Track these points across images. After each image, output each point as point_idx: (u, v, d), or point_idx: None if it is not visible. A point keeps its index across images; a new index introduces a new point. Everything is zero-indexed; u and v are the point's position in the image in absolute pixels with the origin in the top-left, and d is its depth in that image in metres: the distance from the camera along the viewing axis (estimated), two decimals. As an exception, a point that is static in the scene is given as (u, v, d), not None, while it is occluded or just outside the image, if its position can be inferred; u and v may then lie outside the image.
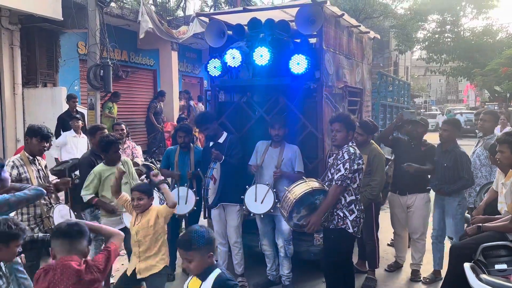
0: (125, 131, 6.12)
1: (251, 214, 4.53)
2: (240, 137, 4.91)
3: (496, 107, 21.57)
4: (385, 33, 26.83)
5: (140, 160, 6.46)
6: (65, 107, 7.87)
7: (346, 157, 3.64)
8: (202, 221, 6.03)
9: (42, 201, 3.90)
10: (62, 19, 7.91)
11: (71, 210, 4.17)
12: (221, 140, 4.65)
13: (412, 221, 4.86)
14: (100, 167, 4.38)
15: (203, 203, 5.34)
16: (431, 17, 28.90)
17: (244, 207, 4.53)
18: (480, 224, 3.57)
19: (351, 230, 3.68)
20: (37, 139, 3.93)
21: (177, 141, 5.27)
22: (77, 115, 7.10)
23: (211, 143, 4.74)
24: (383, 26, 27.08)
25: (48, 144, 4.08)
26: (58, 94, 8.39)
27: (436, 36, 28.79)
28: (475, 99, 41.06)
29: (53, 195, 4.14)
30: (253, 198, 4.43)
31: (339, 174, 3.62)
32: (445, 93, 70.40)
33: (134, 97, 11.64)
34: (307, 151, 4.66)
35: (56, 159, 6.65)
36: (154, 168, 7.66)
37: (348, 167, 3.59)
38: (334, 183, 3.66)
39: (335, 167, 3.70)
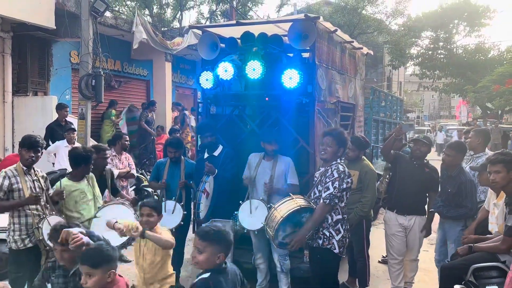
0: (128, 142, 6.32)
1: (245, 231, 4.45)
2: (231, 150, 4.86)
3: (487, 123, 21.75)
4: (379, 48, 27.10)
5: (134, 171, 6.40)
6: (55, 116, 7.78)
7: (336, 175, 3.55)
8: (191, 236, 5.95)
9: (35, 212, 3.80)
10: (55, 28, 7.86)
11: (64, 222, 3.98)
12: (216, 153, 4.59)
13: (409, 242, 4.60)
14: (65, 181, 4.13)
15: (192, 217, 5.27)
16: (425, 33, 29.27)
17: (238, 223, 4.45)
18: (472, 244, 3.52)
19: (336, 251, 3.59)
20: (24, 149, 3.84)
21: (168, 156, 5.21)
22: (72, 126, 6.99)
23: (205, 155, 4.67)
24: (377, 41, 27.37)
25: (35, 155, 3.87)
26: (49, 103, 8.30)
27: (429, 52, 29.13)
28: (467, 115, 41.43)
29: (47, 206, 3.94)
30: (247, 214, 4.36)
31: (328, 192, 3.53)
32: (438, 108, 71.04)
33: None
34: (298, 166, 4.61)
35: (53, 164, 6.57)
36: (144, 180, 7.60)
37: (337, 185, 3.51)
38: (322, 201, 3.56)
39: (323, 184, 3.60)
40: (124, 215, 3.84)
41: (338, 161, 3.67)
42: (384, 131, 9.27)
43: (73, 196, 4.07)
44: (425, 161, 4.56)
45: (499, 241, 3.30)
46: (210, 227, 2.43)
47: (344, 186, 3.54)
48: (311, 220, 3.57)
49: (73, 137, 6.73)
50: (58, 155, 6.71)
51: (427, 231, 4.54)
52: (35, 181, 3.92)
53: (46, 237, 3.52)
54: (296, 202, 3.65)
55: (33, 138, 3.91)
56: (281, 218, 3.57)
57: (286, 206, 3.65)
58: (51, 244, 3.12)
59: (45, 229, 3.64)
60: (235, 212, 4.41)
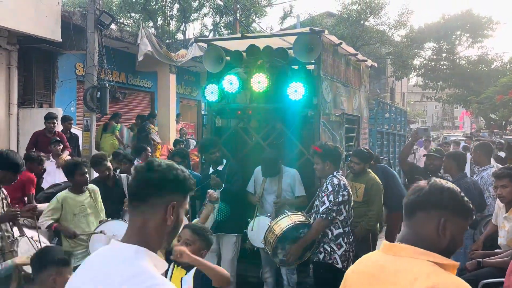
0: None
1: (255, 249, 4.44)
2: (236, 162, 4.85)
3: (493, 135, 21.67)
4: (381, 59, 27.17)
5: None
6: (60, 128, 7.80)
7: (330, 188, 3.54)
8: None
9: (5, 234, 3.44)
10: (61, 40, 7.93)
11: (37, 243, 3.53)
12: (221, 168, 4.58)
13: None
14: (64, 193, 4.03)
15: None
16: (427, 44, 29.40)
17: (247, 241, 4.43)
18: (480, 259, 3.48)
19: (339, 265, 3.55)
20: (10, 172, 3.47)
21: None
22: (58, 138, 6.82)
23: (210, 170, 4.67)
24: (380, 52, 27.47)
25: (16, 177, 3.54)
26: (54, 115, 8.33)
27: (432, 63, 29.23)
28: (470, 126, 41.34)
29: (15, 225, 3.57)
30: (256, 231, 4.33)
31: (324, 207, 3.52)
32: (441, 119, 70.93)
33: (131, 119, 11.59)
34: (303, 178, 4.60)
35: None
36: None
37: (332, 199, 3.50)
38: (319, 216, 3.55)
39: (320, 198, 3.63)
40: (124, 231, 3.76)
41: (335, 174, 3.66)
42: (389, 143, 9.24)
43: (72, 209, 3.97)
44: (439, 174, 4.55)
45: (509, 256, 3.26)
46: (200, 225, 2.68)
47: (340, 199, 3.52)
48: (308, 235, 3.57)
49: (58, 149, 6.52)
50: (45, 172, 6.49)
51: None
52: (3, 200, 3.59)
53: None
54: (291, 219, 3.68)
55: (20, 159, 3.59)
56: (276, 238, 3.60)
57: (282, 224, 3.68)
58: (28, 271, 2.87)
59: (20, 252, 3.37)
60: (245, 230, 4.39)
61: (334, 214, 3.52)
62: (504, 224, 3.53)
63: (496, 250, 3.60)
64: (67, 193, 4.06)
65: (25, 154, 5.49)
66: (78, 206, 4.02)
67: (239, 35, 6.01)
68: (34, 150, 6.21)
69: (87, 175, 4.15)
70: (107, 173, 4.68)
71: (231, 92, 4.81)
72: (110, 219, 4.13)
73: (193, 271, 2.49)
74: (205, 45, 5.72)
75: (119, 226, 3.90)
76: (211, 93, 4.95)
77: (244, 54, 4.96)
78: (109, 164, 4.82)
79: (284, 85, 4.55)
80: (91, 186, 4.26)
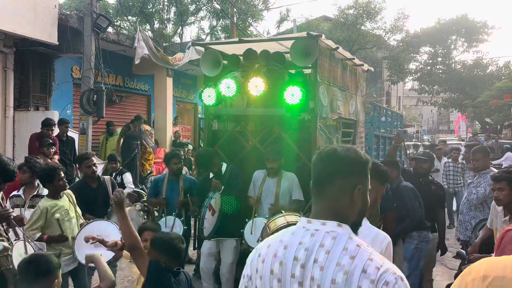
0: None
1: (251, 249, 4.41)
2: (235, 166, 4.85)
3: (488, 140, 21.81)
4: (377, 63, 27.30)
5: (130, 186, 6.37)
6: (56, 131, 7.78)
7: None
8: (191, 252, 5.91)
9: None
10: (57, 43, 7.91)
11: (31, 246, 3.53)
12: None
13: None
14: (45, 202, 3.90)
15: (192, 231, 5.24)
16: (423, 49, 29.58)
17: (243, 241, 4.42)
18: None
19: None
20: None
21: (172, 168, 5.14)
22: (51, 141, 6.79)
23: (211, 174, 4.67)
24: (376, 56, 27.60)
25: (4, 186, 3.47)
26: (50, 117, 8.30)
27: (428, 67, 29.40)
28: (466, 130, 41.54)
29: (10, 228, 3.50)
30: (253, 233, 4.33)
31: None
32: (437, 123, 71.26)
33: (127, 122, 11.56)
34: (300, 182, 4.60)
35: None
36: (144, 195, 7.57)
37: None
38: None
39: None
40: (109, 231, 3.73)
41: None
42: (385, 147, 9.27)
43: (55, 214, 3.87)
44: (430, 177, 4.56)
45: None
46: (168, 234, 2.89)
47: None
48: None
49: (51, 151, 6.49)
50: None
51: (442, 249, 4.43)
52: None
53: (16, 265, 3.14)
54: (285, 219, 3.75)
55: (12, 167, 3.47)
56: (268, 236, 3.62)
57: (277, 222, 3.78)
58: None
59: (15, 256, 3.31)
60: (241, 230, 4.38)
61: None
62: (503, 227, 3.53)
63: (493, 254, 3.60)
64: (47, 200, 3.93)
65: (25, 157, 5.46)
66: (61, 211, 3.92)
67: (237, 39, 6.02)
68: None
69: (65, 180, 4.06)
70: (91, 170, 4.62)
71: (228, 95, 4.81)
72: (91, 220, 4.07)
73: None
74: (202, 49, 5.72)
75: (103, 226, 3.85)
76: (208, 96, 4.95)
77: (241, 58, 4.97)
78: (94, 161, 4.76)
79: (281, 89, 4.56)
80: (67, 191, 4.15)
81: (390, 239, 2.06)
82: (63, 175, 4.00)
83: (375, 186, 2.35)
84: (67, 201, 4.02)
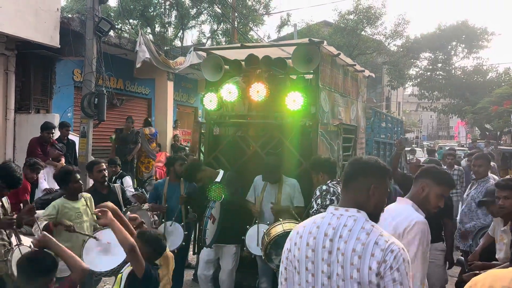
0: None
1: (252, 256, 4.42)
2: (234, 171, 4.85)
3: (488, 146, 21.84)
4: (377, 69, 27.35)
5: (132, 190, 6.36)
6: (57, 134, 7.77)
7: (318, 193, 3.74)
8: (192, 257, 5.89)
9: (0, 242, 3.41)
10: (59, 46, 7.92)
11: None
12: (218, 179, 4.55)
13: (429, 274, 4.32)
14: (60, 200, 4.02)
15: (192, 236, 5.23)
16: (423, 55, 29.64)
17: (245, 248, 4.42)
18: (478, 272, 3.47)
19: None
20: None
21: (178, 170, 5.10)
22: (59, 145, 6.82)
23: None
24: (376, 62, 27.66)
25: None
26: (51, 120, 8.28)
27: (428, 73, 29.45)
28: (466, 136, 41.57)
29: (13, 233, 3.50)
30: (254, 239, 4.33)
31: (312, 210, 3.70)
32: (436, 129, 71.31)
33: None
34: (301, 188, 4.59)
35: (45, 189, 6.35)
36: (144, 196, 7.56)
37: (320, 202, 3.66)
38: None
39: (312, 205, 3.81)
40: None
41: (327, 183, 3.90)
42: (385, 152, 9.28)
43: (68, 215, 3.94)
44: None
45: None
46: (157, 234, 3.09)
47: (328, 202, 3.66)
48: None
49: (56, 154, 6.54)
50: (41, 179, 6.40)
51: (449, 261, 4.26)
52: (1, 207, 3.56)
53: (16, 271, 3.14)
54: (282, 227, 3.86)
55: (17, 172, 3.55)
56: (268, 244, 3.82)
57: (275, 230, 3.91)
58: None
59: (14, 262, 3.21)
60: (243, 237, 4.38)
61: None
62: (503, 236, 3.53)
63: (494, 262, 3.59)
64: (63, 200, 4.04)
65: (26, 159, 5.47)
66: (75, 212, 3.99)
67: (238, 44, 6.04)
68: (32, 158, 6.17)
69: (81, 182, 4.13)
70: (102, 174, 4.68)
71: (230, 101, 4.82)
72: (105, 227, 4.09)
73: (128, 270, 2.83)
74: (203, 53, 5.74)
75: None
76: (210, 101, 4.96)
77: (243, 63, 4.98)
78: (104, 166, 4.81)
79: (283, 95, 4.57)
80: (86, 194, 4.24)
81: (421, 221, 2.39)
82: (78, 177, 4.06)
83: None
84: (83, 204, 4.07)
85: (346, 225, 1.81)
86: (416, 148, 23.92)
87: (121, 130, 9.27)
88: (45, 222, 3.86)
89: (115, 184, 5.02)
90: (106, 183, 4.84)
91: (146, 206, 4.88)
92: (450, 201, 4.45)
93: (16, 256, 3.31)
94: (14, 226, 3.45)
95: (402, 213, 2.47)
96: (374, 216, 1.87)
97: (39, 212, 4.35)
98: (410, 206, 2.48)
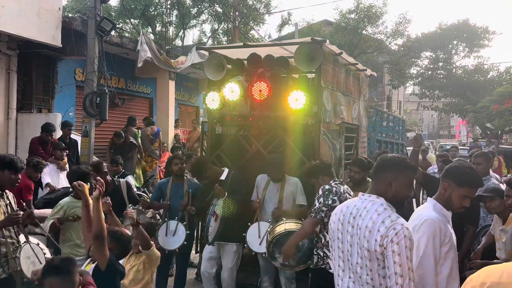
0: None
1: (253, 253, 4.43)
2: (237, 170, 4.85)
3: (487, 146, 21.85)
4: (379, 68, 27.32)
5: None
6: (59, 133, 7.79)
7: (320, 192, 3.77)
8: (194, 256, 5.90)
9: (9, 240, 3.42)
10: (61, 46, 7.94)
11: (40, 249, 3.58)
12: (223, 177, 4.56)
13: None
14: (68, 199, 4.13)
15: (195, 234, 5.24)
16: (424, 54, 29.61)
17: (245, 245, 4.43)
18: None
19: (332, 270, 3.58)
20: (10, 171, 3.49)
21: (173, 169, 5.12)
22: (62, 145, 6.84)
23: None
24: (377, 61, 27.62)
25: (17, 177, 3.57)
26: (53, 120, 8.30)
27: (429, 72, 29.42)
28: (467, 135, 41.53)
29: (20, 231, 3.55)
30: (255, 236, 4.34)
31: (314, 208, 3.70)
32: (437, 128, 71.25)
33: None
34: (304, 187, 4.60)
35: (48, 184, 6.37)
36: (146, 198, 7.57)
37: (322, 201, 3.65)
38: (309, 215, 3.75)
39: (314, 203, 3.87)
40: None
41: (330, 182, 3.89)
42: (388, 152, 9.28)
43: (74, 214, 3.98)
44: None
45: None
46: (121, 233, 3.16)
47: (330, 202, 3.63)
48: (297, 233, 3.76)
49: (64, 155, 6.57)
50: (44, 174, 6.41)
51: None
52: (7, 205, 3.55)
53: (24, 268, 3.32)
54: (284, 227, 3.94)
55: (19, 161, 3.57)
56: (270, 243, 3.91)
57: (278, 229, 3.99)
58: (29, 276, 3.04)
59: (23, 259, 3.38)
60: (244, 234, 4.39)
61: (323, 215, 3.59)
62: (501, 235, 3.54)
63: (495, 261, 3.60)
64: (71, 199, 4.12)
65: (26, 159, 5.49)
66: (80, 210, 4.01)
67: (241, 43, 6.05)
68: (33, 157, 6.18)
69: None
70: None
71: (232, 100, 4.83)
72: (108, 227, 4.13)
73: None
74: (205, 52, 5.74)
75: None
76: (212, 100, 4.97)
77: (245, 62, 4.99)
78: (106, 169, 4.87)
79: (285, 94, 4.58)
80: None
81: (431, 218, 2.48)
82: (92, 180, 4.05)
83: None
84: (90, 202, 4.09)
85: (366, 207, 2.29)
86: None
87: (119, 134, 9.11)
88: (51, 221, 3.95)
89: (120, 180, 5.04)
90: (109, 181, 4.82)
91: (150, 213, 4.91)
92: (478, 208, 4.10)
93: (24, 253, 3.39)
94: (20, 226, 3.49)
95: (418, 212, 2.65)
96: (395, 203, 2.30)
97: (46, 211, 4.42)
98: (431, 205, 2.58)
